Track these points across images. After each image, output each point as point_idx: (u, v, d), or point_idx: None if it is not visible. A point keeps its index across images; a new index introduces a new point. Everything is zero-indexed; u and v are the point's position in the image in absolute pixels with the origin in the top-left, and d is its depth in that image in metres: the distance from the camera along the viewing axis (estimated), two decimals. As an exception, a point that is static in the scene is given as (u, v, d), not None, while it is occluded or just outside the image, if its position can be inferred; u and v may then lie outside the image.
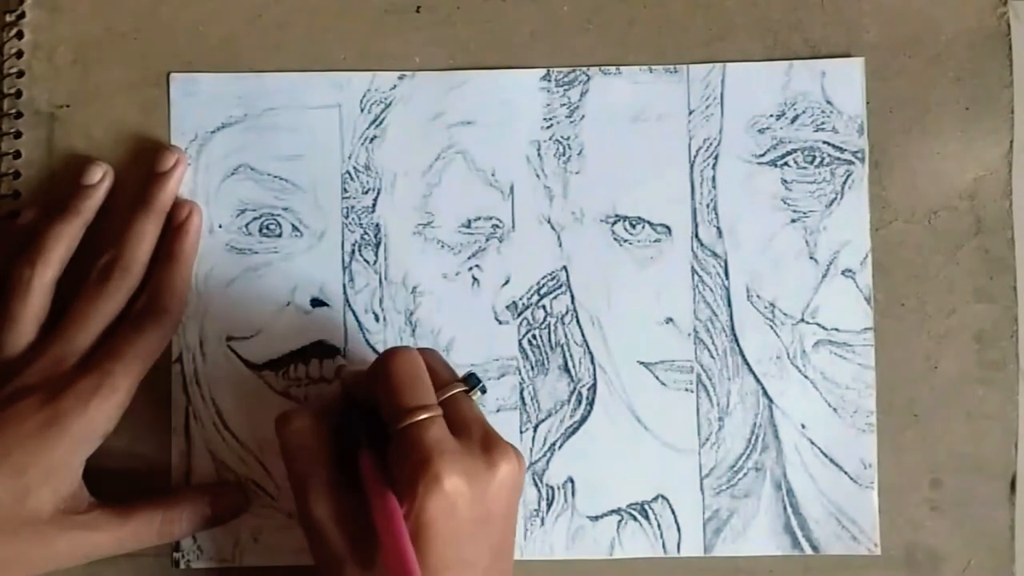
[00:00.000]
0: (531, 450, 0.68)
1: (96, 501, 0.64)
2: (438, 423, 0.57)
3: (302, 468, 0.59)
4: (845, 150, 0.69)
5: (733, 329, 0.69)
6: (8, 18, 0.70)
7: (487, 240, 0.69)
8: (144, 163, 0.69)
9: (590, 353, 0.69)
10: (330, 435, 0.60)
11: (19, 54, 0.70)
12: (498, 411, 0.68)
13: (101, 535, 0.63)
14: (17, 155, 0.69)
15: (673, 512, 0.68)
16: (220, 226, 0.69)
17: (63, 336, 0.64)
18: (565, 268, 0.69)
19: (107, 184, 0.69)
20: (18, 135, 0.69)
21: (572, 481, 0.68)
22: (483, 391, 0.61)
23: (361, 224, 0.69)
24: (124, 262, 0.66)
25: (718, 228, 0.69)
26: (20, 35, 0.70)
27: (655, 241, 0.69)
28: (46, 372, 0.63)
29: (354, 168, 0.69)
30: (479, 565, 0.57)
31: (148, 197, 0.68)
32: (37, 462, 0.61)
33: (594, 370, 0.68)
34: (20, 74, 0.70)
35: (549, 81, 0.69)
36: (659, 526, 0.68)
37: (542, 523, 0.68)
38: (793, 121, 0.69)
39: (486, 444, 0.57)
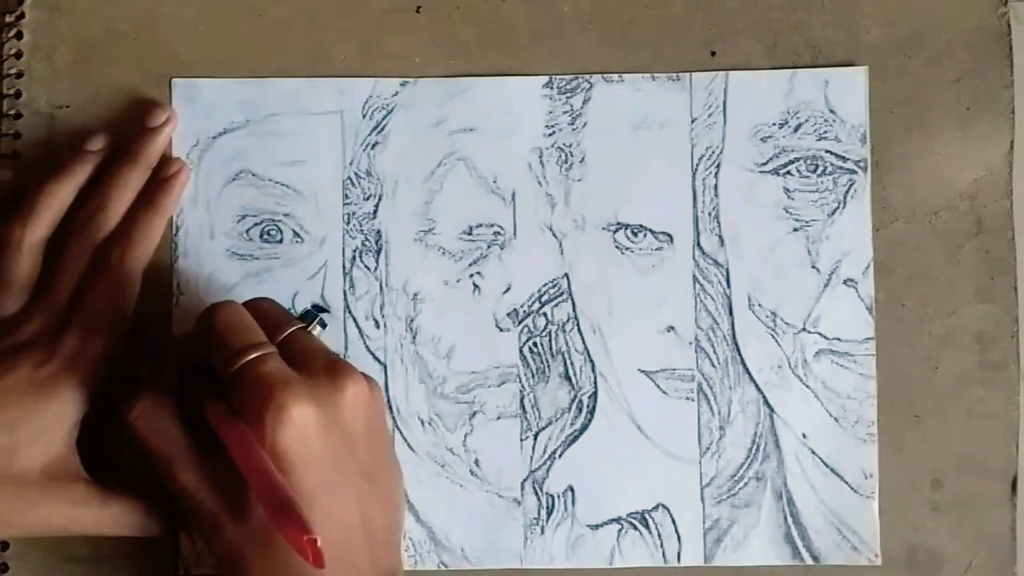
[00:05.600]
0: (531, 458, 0.68)
1: (86, 476, 0.64)
2: (273, 358, 0.56)
3: (158, 446, 0.59)
4: (848, 159, 0.69)
5: (734, 338, 0.69)
6: (8, 18, 0.70)
7: (488, 247, 0.69)
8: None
9: (591, 361, 0.68)
10: (176, 407, 0.60)
11: (18, 55, 0.69)
12: (499, 418, 0.68)
13: (82, 511, 0.62)
14: (16, 156, 0.69)
15: (673, 521, 0.68)
16: (221, 231, 0.69)
17: (51, 294, 0.65)
18: (566, 276, 0.69)
19: (105, 151, 0.68)
20: (17, 136, 0.69)
21: (572, 490, 0.68)
22: (323, 325, 0.60)
23: (362, 230, 0.69)
24: (105, 213, 0.66)
25: (720, 236, 0.69)
26: (20, 35, 0.69)
27: (657, 249, 0.69)
28: (38, 331, 0.63)
29: (355, 174, 0.69)
30: (350, 489, 0.57)
31: (135, 150, 0.68)
32: (29, 420, 0.61)
33: (595, 378, 0.68)
34: (19, 75, 0.69)
35: (551, 88, 0.69)
36: (659, 535, 0.68)
37: (542, 532, 0.68)
38: (796, 130, 0.69)
39: (330, 370, 0.57)
